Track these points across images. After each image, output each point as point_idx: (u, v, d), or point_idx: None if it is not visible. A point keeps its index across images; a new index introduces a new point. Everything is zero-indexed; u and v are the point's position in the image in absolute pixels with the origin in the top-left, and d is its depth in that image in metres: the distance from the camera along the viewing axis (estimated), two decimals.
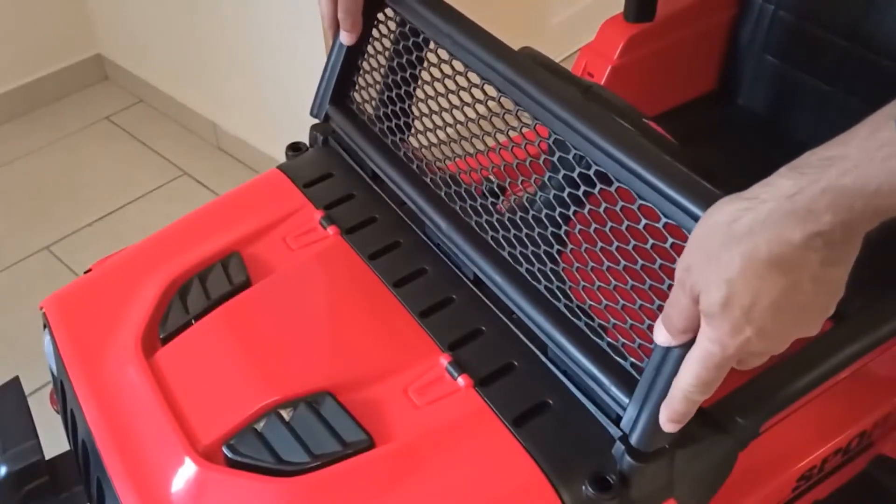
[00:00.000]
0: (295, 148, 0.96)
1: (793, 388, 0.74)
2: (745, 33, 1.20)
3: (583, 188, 0.68)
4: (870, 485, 0.90)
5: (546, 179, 0.75)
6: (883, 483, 0.90)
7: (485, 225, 0.77)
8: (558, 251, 0.72)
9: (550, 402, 0.70)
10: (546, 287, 0.72)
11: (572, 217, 0.71)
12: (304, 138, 0.96)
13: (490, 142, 0.77)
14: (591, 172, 0.66)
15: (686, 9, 1.18)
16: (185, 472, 0.67)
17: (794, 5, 1.14)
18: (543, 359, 0.72)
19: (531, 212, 0.73)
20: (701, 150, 0.74)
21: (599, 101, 0.77)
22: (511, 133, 0.74)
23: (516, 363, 0.72)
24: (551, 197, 0.73)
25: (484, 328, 0.75)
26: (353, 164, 0.91)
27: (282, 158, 0.96)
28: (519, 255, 0.74)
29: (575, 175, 0.68)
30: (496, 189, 0.78)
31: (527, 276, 0.74)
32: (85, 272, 0.88)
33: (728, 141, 1.20)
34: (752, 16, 1.19)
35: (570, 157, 0.68)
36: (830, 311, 0.53)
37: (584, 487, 0.64)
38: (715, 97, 1.27)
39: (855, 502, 0.89)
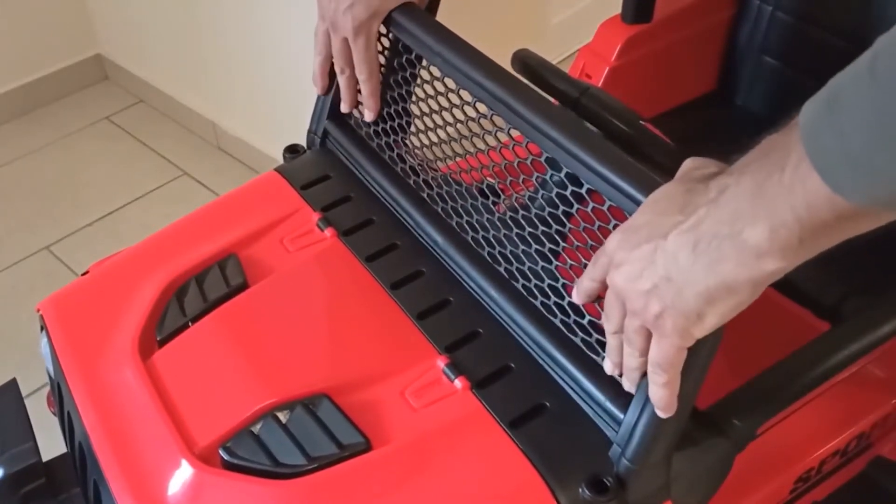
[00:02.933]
0: (292, 150, 0.96)
1: (790, 390, 0.74)
2: (743, 34, 1.20)
3: (575, 206, 0.68)
4: (868, 486, 0.90)
5: (529, 196, 0.76)
6: (881, 484, 0.90)
7: (481, 241, 0.77)
8: (556, 267, 0.72)
9: (547, 404, 0.70)
10: (542, 303, 0.72)
11: (567, 233, 0.71)
12: (305, 139, 0.97)
13: (485, 158, 0.77)
14: (583, 191, 0.66)
15: (684, 10, 1.18)
16: (182, 475, 0.67)
17: (792, 6, 1.14)
18: (540, 361, 0.72)
19: (527, 228, 0.74)
20: (698, 152, 0.75)
21: (596, 103, 0.77)
22: (504, 150, 0.74)
23: (513, 365, 0.72)
24: (546, 214, 0.73)
25: (481, 330, 0.75)
26: (351, 167, 0.91)
27: (282, 159, 0.96)
28: (515, 271, 0.74)
29: (568, 193, 0.68)
30: (491, 206, 0.79)
31: (523, 291, 0.74)
32: (82, 274, 0.88)
33: (726, 142, 1.19)
34: (749, 17, 1.18)
35: (563, 175, 0.68)
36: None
37: (580, 490, 0.64)
38: (713, 98, 1.26)
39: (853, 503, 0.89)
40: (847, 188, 0.44)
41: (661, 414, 0.60)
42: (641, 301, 0.54)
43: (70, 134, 2.18)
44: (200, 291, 0.79)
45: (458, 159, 0.81)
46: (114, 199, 1.97)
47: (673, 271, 0.52)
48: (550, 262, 0.72)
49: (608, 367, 0.63)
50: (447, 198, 0.81)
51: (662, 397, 0.59)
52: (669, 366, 0.57)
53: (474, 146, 0.79)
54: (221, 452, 0.67)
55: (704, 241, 0.51)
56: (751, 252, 0.49)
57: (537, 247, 0.72)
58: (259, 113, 1.94)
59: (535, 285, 0.73)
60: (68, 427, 0.79)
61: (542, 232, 0.72)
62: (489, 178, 0.80)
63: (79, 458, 0.77)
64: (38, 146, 2.13)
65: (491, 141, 0.75)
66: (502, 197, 0.82)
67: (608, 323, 0.60)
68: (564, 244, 0.71)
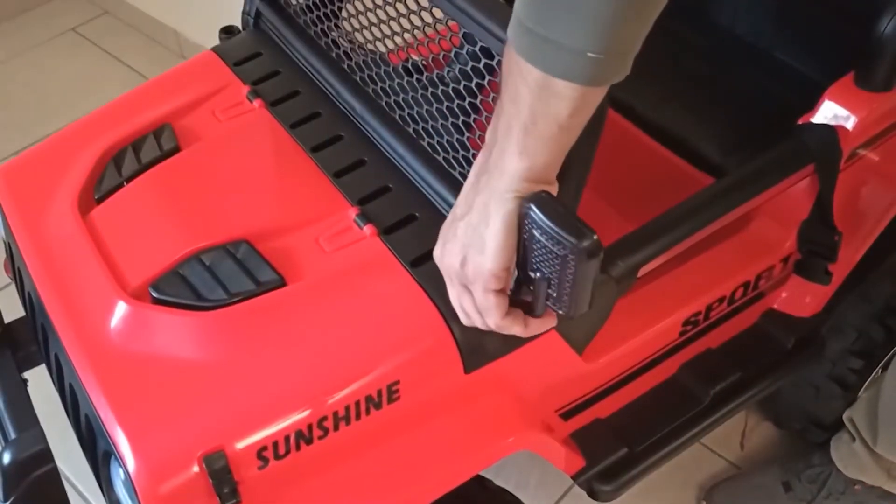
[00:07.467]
0: (228, 31, 1.01)
1: (670, 236, 0.81)
2: None
3: (487, 77, 0.73)
4: (760, 336, 0.99)
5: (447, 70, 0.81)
6: (771, 334, 0.98)
7: (393, 105, 0.83)
8: (464, 122, 0.77)
9: None
10: (444, 158, 0.78)
11: (478, 92, 0.76)
12: None
13: (408, 35, 0.81)
14: (494, 63, 0.70)
15: None
16: (117, 312, 0.74)
17: None
18: (443, 211, 0.79)
19: (440, 87, 0.78)
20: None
21: None
22: (427, 29, 0.78)
23: (418, 214, 0.79)
24: (462, 87, 0.78)
25: (392, 186, 0.82)
26: (281, 45, 0.96)
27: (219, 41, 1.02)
28: (422, 130, 0.80)
29: (481, 65, 0.73)
30: (411, 68, 0.83)
31: (428, 149, 0.80)
32: None
33: (655, 30, 1.24)
34: None
35: (477, 49, 0.72)
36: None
37: None
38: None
39: (744, 350, 0.98)
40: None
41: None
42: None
43: (36, 46, 2.21)
44: (136, 156, 0.86)
45: (382, 35, 0.86)
46: (79, 109, 2.01)
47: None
48: (448, 119, 0.77)
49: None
50: (364, 67, 0.86)
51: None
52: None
53: (401, 27, 0.83)
54: (150, 290, 0.74)
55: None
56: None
57: (448, 104, 0.77)
58: (221, 20, 1.97)
59: (438, 142, 0.79)
60: (19, 282, 0.86)
61: (453, 90, 0.77)
62: (413, 56, 0.85)
63: (28, 307, 0.84)
64: (3, 58, 2.16)
65: (416, 21, 0.79)
66: (425, 74, 0.87)
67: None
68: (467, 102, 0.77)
